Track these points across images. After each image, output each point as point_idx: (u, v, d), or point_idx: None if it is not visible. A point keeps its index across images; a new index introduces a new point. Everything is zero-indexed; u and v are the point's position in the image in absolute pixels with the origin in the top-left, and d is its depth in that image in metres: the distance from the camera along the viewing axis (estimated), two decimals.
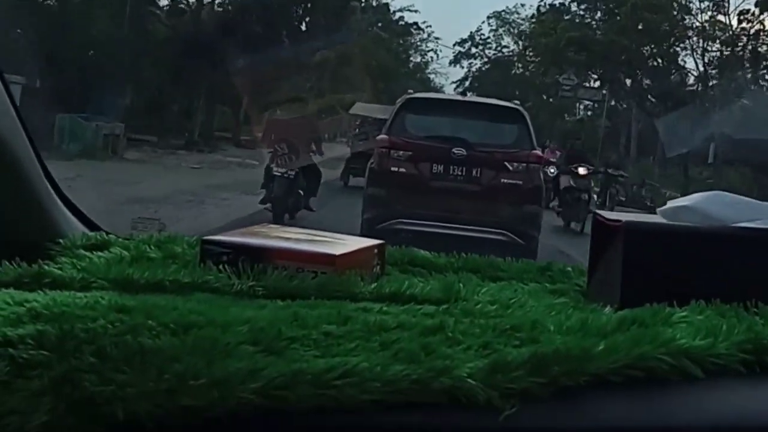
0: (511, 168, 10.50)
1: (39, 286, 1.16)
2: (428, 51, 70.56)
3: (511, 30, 66.45)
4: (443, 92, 72.02)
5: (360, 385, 0.93)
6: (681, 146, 26.16)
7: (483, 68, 67.72)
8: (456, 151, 10.38)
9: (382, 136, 10.84)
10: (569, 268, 1.48)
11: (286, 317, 1.07)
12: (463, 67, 68.00)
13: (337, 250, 1.30)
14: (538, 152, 11.06)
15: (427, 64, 70.97)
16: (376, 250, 1.37)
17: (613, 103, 42.06)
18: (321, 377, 0.93)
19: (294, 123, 12.99)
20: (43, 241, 1.34)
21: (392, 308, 1.17)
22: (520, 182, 10.42)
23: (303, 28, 40.36)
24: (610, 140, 38.50)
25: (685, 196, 1.37)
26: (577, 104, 51.64)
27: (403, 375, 0.95)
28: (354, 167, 21.91)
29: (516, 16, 65.98)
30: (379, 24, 58.89)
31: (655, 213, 1.29)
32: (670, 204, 1.27)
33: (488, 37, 67.99)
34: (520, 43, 65.01)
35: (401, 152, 10.47)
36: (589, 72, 42.92)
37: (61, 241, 1.37)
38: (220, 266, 1.26)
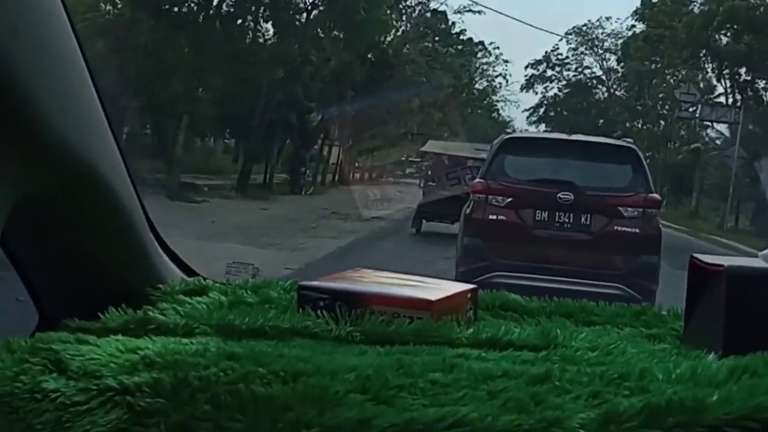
0: (625, 214, 10.42)
1: (145, 332, 1.34)
2: (496, 76, 67.61)
3: (595, 48, 62.93)
4: (513, 121, 69.47)
5: None
6: None
7: (561, 93, 64.74)
8: (562, 196, 10.33)
9: (479, 180, 10.87)
10: (664, 312, 1.60)
11: (390, 364, 1.19)
12: (537, 93, 65.50)
13: (433, 295, 1.46)
14: (656, 196, 10.96)
15: (495, 90, 68.15)
16: (469, 295, 1.53)
17: (751, 126, 37.08)
18: (432, 427, 1.05)
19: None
20: (145, 287, 1.53)
21: (491, 355, 1.30)
22: (636, 229, 10.32)
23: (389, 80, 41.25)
24: (747, 176, 34.39)
25: None
26: (696, 128, 46.94)
27: (514, 426, 1.05)
28: (427, 211, 22.05)
29: (600, 31, 62.25)
30: (437, 38, 56.46)
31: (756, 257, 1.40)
32: None
33: (567, 57, 64.58)
34: (605, 62, 61.67)
35: (500, 198, 10.46)
36: (719, 82, 38.45)
37: (161, 286, 1.56)
38: (318, 312, 1.43)
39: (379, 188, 39.43)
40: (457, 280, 7.82)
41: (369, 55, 39.78)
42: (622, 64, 58.08)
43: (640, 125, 53.78)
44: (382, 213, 25.49)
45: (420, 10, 51.27)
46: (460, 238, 10.98)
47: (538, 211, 10.46)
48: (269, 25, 33.48)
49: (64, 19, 1.25)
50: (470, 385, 1.15)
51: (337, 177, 43.93)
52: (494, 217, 10.43)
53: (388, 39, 45.39)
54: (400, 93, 41.11)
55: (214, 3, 30.80)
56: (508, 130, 14.43)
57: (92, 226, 1.42)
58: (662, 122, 50.39)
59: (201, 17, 30.45)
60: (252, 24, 33.53)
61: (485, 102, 68.50)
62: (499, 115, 71.26)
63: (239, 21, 32.58)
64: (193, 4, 30.76)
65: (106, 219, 1.44)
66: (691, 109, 38.21)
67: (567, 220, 10.43)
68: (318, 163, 39.74)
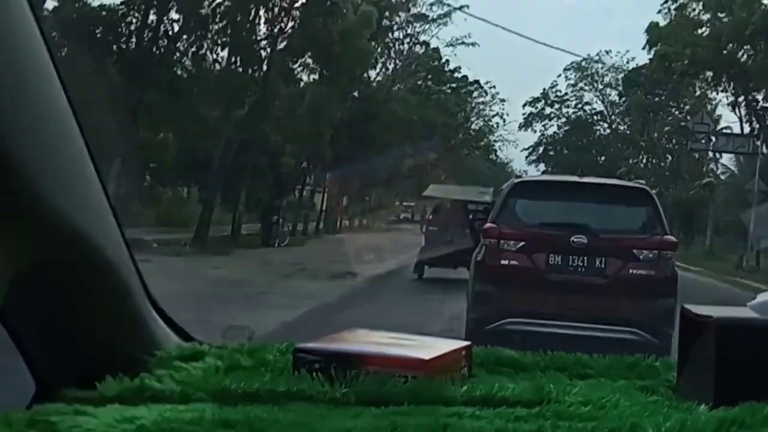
0: (640, 256, 10.42)
1: (142, 400, 1.38)
2: (493, 115, 66.31)
3: (595, 83, 62.01)
4: (511, 162, 68.47)
5: None
6: None
7: (560, 131, 64.05)
8: (575, 240, 10.31)
9: (490, 224, 10.89)
10: (657, 363, 1.64)
11: (384, 427, 1.23)
12: (535, 131, 64.68)
13: (427, 354, 1.50)
14: (671, 238, 10.97)
15: (491, 129, 66.91)
16: (463, 352, 1.57)
17: None
18: None
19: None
20: (141, 354, 1.58)
21: (485, 413, 1.34)
22: (652, 272, 10.30)
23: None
24: None
25: None
26: (708, 162, 45.56)
27: None
28: (429, 257, 22.10)
29: (599, 66, 61.12)
30: (429, 76, 55.45)
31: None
32: (761, 297, 1.43)
33: (565, 94, 63.80)
34: (605, 98, 60.54)
35: (512, 242, 10.46)
36: (734, 110, 36.84)
37: (157, 353, 1.60)
38: (313, 374, 1.47)
39: (368, 236, 38.01)
40: (468, 327, 7.80)
41: (352, 92, 38.42)
42: (624, 99, 57.47)
43: (644, 161, 53.31)
44: (363, 270, 21.77)
45: (409, 43, 50.38)
46: (471, 285, 10.97)
47: (551, 256, 10.45)
48: (225, 53, 29.97)
49: (58, 85, 1.30)
50: None
51: (321, 225, 42.54)
52: (506, 262, 10.42)
53: (374, 74, 44.24)
54: (389, 134, 40.22)
55: (154, 27, 27.63)
56: (518, 173, 14.49)
57: (89, 295, 1.47)
58: (669, 157, 49.61)
59: (137, 43, 27.44)
60: (206, 53, 29.89)
61: (482, 142, 67.71)
62: (497, 156, 70.53)
63: (186, 49, 29.08)
64: (129, 29, 27.63)
65: (102, 288, 1.48)
66: (704, 141, 36.38)
67: (581, 264, 10.43)
68: (299, 211, 38.07)
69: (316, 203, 43.28)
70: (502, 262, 10.43)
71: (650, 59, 42.42)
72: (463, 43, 54.49)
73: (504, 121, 66.29)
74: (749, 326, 1.41)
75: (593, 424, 1.25)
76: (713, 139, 36.11)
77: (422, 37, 52.20)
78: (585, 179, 12.05)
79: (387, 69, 48.60)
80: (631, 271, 10.35)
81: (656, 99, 51.10)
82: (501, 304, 10.16)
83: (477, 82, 63.99)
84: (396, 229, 47.05)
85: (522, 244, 10.46)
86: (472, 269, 11.15)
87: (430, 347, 1.55)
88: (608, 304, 10.09)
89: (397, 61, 50.06)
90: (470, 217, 23.31)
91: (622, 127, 59.52)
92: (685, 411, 1.33)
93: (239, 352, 1.64)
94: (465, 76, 61.85)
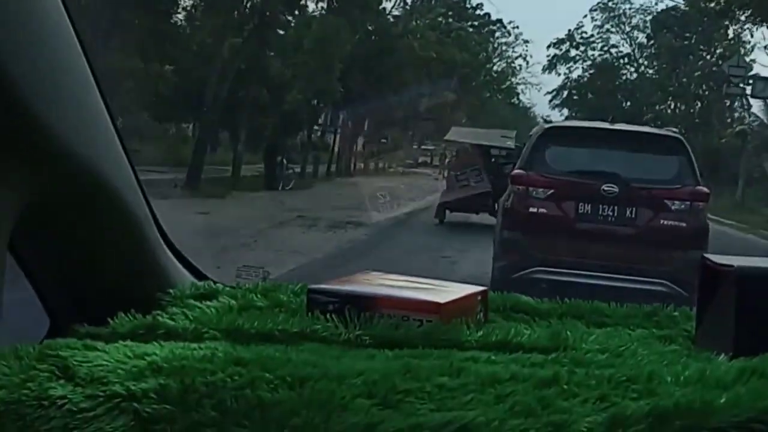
0: (672, 207, 10.37)
1: (154, 338, 1.39)
2: (516, 57, 64.83)
3: (622, 25, 59.79)
4: (534, 107, 67.30)
5: None
6: None
7: (586, 74, 61.99)
8: (606, 188, 10.27)
9: (519, 171, 10.84)
10: (676, 313, 1.63)
11: (398, 369, 1.24)
12: (559, 74, 62.67)
13: (442, 298, 1.50)
14: (704, 188, 10.89)
15: (514, 71, 65.25)
16: (479, 297, 1.57)
17: None
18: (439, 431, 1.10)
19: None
20: (155, 292, 1.59)
21: (500, 357, 1.34)
22: (683, 224, 10.25)
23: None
24: None
25: None
26: (741, 108, 44.16)
27: (521, 430, 1.10)
28: (451, 202, 22.09)
29: (627, 6, 59.13)
30: (450, 12, 53.29)
31: None
32: None
33: (591, 36, 61.49)
34: (633, 40, 58.50)
35: (541, 190, 10.44)
36: None
37: (171, 291, 1.61)
38: (327, 315, 1.48)
39: (383, 180, 35.19)
40: (494, 275, 7.81)
41: (365, 25, 35.95)
42: (652, 42, 55.72)
43: (672, 107, 51.70)
44: (377, 216, 20.33)
45: None
46: (498, 232, 10.95)
47: (580, 204, 10.43)
48: None
49: (68, 26, 1.30)
50: (477, 389, 1.19)
51: (333, 167, 40.40)
52: (535, 209, 10.40)
53: (390, 6, 41.88)
54: (406, 72, 37.92)
55: None
56: (547, 118, 14.42)
57: (101, 232, 1.48)
58: (698, 103, 48.22)
59: None
60: None
61: (505, 85, 65.85)
62: (519, 100, 68.64)
63: None
64: None
65: (115, 225, 1.49)
66: (741, 85, 35.44)
67: (611, 214, 10.39)
68: (309, 151, 35.86)
69: (328, 144, 41.07)
70: (531, 209, 10.40)
71: None
72: None
73: (527, 63, 64.96)
74: None
75: (610, 372, 1.25)
76: (750, 83, 34.90)
77: None
78: (616, 126, 11.94)
79: (405, 2, 46.64)
80: (662, 221, 10.31)
81: (686, 42, 49.65)
82: (529, 252, 10.14)
83: (500, 21, 62.42)
84: (413, 173, 45.20)
85: (551, 191, 10.43)
86: (500, 216, 11.14)
87: (445, 291, 1.55)
88: (638, 255, 10.06)
89: None
90: (493, 161, 23.31)
91: (650, 71, 57.78)
92: (704, 360, 1.32)
93: (253, 292, 1.65)
94: (487, 14, 60.44)
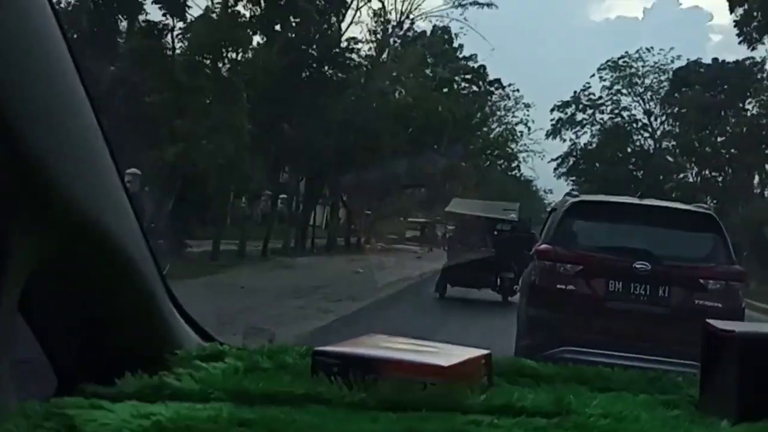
0: (707, 287, 10.32)
1: (160, 398, 1.44)
2: (517, 123, 60.47)
3: (633, 86, 55.95)
4: (537, 180, 62.76)
5: None
6: None
7: (594, 140, 58.31)
8: (639, 266, 10.19)
9: (546, 245, 10.83)
10: (680, 378, 1.68)
11: None
12: (564, 140, 59.01)
13: (446, 361, 1.56)
14: (740, 267, 10.84)
15: (515, 138, 60.71)
16: (483, 361, 1.62)
17: None
18: None
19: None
20: (162, 352, 1.65)
21: (503, 421, 1.39)
22: (719, 304, 10.16)
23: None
24: None
25: None
26: None
27: None
28: (452, 275, 22.09)
29: (640, 64, 55.43)
30: (435, 62, 47.99)
31: None
32: None
33: (600, 97, 57.98)
34: (648, 101, 54.37)
35: (569, 266, 10.38)
36: None
37: (178, 352, 1.68)
38: (331, 377, 1.53)
39: (344, 261, 31.00)
40: (517, 353, 7.79)
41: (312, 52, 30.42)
42: (671, 101, 51.78)
43: (695, 174, 47.97)
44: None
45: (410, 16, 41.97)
46: (523, 309, 10.90)
47: (611, 282, 10.35)
48: None
49: (77, 79, 1.37)
50: None
51: (294, 243, 34.43)
52: (563, 286, 10.32)
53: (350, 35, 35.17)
54: (380, 124, 32.69)
55: None
56: (574, 192, 14.44)
57: (110, 293, 1.55)
58: (730, 169, 44.16)
59: None
60: None
61: (503, 151, 62.02)
62: (520, 170, 64.81)
63: None
64: None
65: (123, 285, 1.56)
66: None
67: (643, 293, 10.31)
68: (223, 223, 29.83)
69: (283, 214, 35.49)
70: (559, 286, 10.33)
71: (735, 22, 38.00)
72: (476, 2, 47.27)
73: (529, 129, 61.27)
74: None
75: None
76: None
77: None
78: (646, 201, 11.95)
79: (378, 45, 40.12)
80: (696, 301, 10.20)
81: (717, 97, 46.10)
82: (557, 331, 10.03)
83: (498, 80, 58.49)
84: (394, 250, 40.87)
85: (580, 267, 10.37)
86: (525, 292, 11.09)
87: (449, 354, 1.61)
88: (670, 336, 9.95)
89: (394, 35, 41.36)
90: (495, 234, 23.35)
91: (668, 135, 53.83)
92: (707, 426, 1.37)
93: (259, 353, 1.71)
94: (483, 66, 55.50)
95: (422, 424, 1.33)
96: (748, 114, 44.35)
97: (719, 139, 46.65)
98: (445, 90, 47.23)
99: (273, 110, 27.85)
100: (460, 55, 54.29)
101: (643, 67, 56.46)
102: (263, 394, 1.47)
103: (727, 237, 10.77)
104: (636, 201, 11.98)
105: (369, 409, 1.44)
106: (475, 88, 56.38)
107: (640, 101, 57.27)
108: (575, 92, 59.57)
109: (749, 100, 44.81)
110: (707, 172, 48.77)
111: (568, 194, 12.94)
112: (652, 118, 56.82)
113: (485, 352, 1.65)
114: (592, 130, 59.23)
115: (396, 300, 20.07)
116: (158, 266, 1.65)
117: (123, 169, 1.52)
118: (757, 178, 43.50)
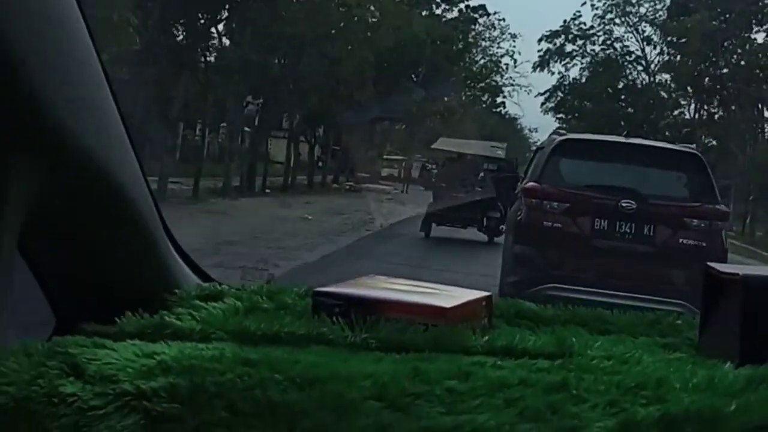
0: (691, 226, 10.40)
1: (161, 337, 1.44)
2: (502, 55, 56.56)
3: (627, 15, 52.20)
4: (522, 117, 59.88)
5: None
6: None
7: (585, 73, 54.80)
8: (624, 204, 10.29)
9: (533, 183, 10.86)
10: (679, 321, 1.70)
11: (406, 372, 1.29)
12: (553, 73, 56.00)
13: (448, 303, 1.56)
14: (724, 207, 10.91)
15: (498, 69, 56.75)
16: (484, 303, 1.63)
17: None
18: None
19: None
20: (161, 292, 1.65)
21: (507, 363, 1.39)
22: (703, 243, 10.27)
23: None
24: None
25: None
26: None
27: None
28: (437, 215, 22.12)
29: None
30: None
31: None
32: None
33: (591, 27, 53.97)
34: (643, 31, 50.89)
35: (556, 204, 10.46)
36: None
37: (177, 291, 1.68)
38: (333, 318, 1.54)
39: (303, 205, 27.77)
40: (502, 291, 7.86)
41: None
42: (674, 24, 47.07)
43: (696, 111, 44.86)
44: None
45: None
46: (508, 246, 10.97)
47: (597, 220, 10.45)
48: None
49: (81, 24, 1.36)
50: (487, 393, 1.24)
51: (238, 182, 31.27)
52: (549, 224, 10.42)
53: None
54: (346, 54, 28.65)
55: None
56: (561, 130, 14.46)
57: (108, 232, 1.54)
58: (734, 107, 40.89)
59: None
60: None
61: (486, 83, 58.04)
62: (504, 106, 61.23)
63: None
64: None
65: (122, 224, 1.55)
66: None
67: (628, 231, 10.40)
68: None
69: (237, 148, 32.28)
70: (545, 223, 10.41)
71: None
72: None
73: (515, 62, 57.74)
74: None
75: (618, 378, 1.30)
76: None
77: None
78: (632, 140, 11.99)
79: None
80: (681, 240, 10.33)
81: (724, 24, 42.27)
82: (542, 268, 10.16)
83: (483, 7, 54.56)
84: (364, 189, 37.69)
85: (567, 205, 10.44)
86: (511, 229, 11.15)
87: (450, 296, 1.61)
88: (655, 274, 10.07)
89: None
90: (481, 174, 23.28)
91: (662, 72, 50.74)
92: (711, 368, 1.37)
93: (259, 294, 1.71)
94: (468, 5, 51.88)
95: (426, 364, 1.33)
96: (755, 45, 41.23)
97: (724, 71, 43.22)
98: (424, 13, 44.22)
99: (197, 16, 24.58)
100: None
101: None
102: (265, 335, 1.48)
103: (712, 177, 10.84)
104: (622, 140, 12.02)
105: (371, 349, 1.44)
106: (456, 13, 53.00)
107: (634, 32, 54.49)
108: (565, 21, 56.28)
109: (756, 28, 41.95)
110: (706, 108, 46.15)
111: (555, 132, 12.96)
112: (649, 48, 53.98)
113: (486, 294, 1.66)
114: (582, 63, 56.39)
115: (330, 265, 15.03)
116: (157, 205, 1.65)
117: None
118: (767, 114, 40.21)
